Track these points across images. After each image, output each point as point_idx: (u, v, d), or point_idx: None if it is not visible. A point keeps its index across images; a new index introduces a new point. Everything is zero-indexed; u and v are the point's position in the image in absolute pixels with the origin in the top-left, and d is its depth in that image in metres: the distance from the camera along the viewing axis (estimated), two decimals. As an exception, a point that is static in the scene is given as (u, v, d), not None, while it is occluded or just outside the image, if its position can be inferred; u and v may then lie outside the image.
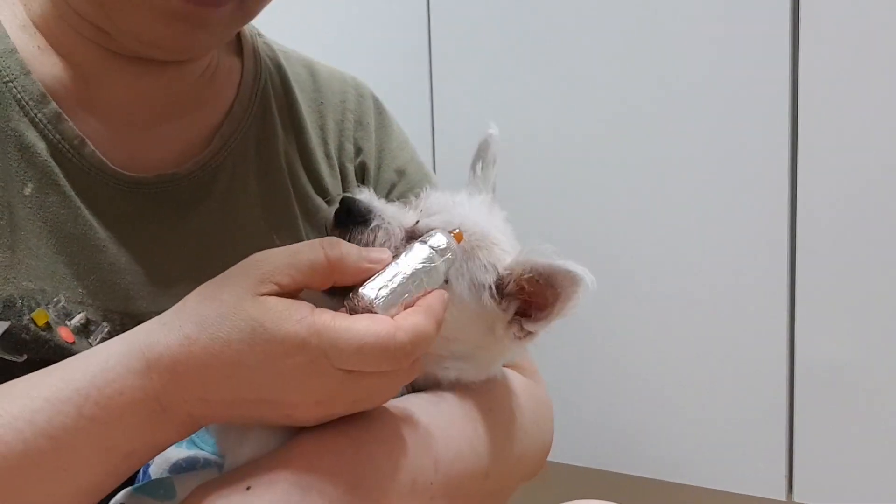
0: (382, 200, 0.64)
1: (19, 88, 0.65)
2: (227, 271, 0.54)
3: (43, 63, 0.68)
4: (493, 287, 0.61)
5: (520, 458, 0.70)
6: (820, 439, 1.28)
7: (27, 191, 0.64)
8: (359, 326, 0.50)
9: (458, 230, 0.60)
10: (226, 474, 0.55)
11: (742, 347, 1.31)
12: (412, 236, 0.60)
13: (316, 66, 0.86)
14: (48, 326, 0.62)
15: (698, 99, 1.30)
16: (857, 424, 1.25)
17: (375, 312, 0.53)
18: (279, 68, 0.82)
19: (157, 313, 0.54)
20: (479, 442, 0.65)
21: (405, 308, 0.54)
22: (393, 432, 0.58)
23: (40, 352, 0.61)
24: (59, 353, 0.61)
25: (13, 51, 0.66)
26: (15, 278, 0.62)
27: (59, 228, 0.65)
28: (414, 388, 0.65)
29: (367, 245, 0.60)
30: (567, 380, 1.44)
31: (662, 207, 1.35)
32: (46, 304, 0.63)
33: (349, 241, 0.59)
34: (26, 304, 0.62)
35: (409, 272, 0.55)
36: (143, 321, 0.54)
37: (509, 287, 0.61)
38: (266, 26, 0.83)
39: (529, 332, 0.63)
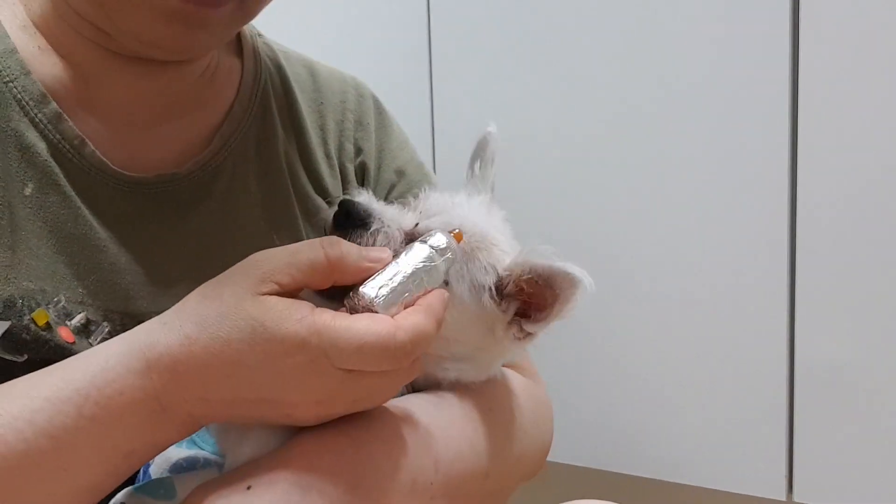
0: (382, 202, 0.64)
1: (19, 88, 0.65)
2: (227, 271, 0.54)
3: (43, 63, 0.68)
4: (493, 288, 0.61)
5: (519, 458, 0.70)
6: (820, 439, 1.28)
7: (27, 191, 0.64)
8: (359, 326, 0.51)
9: (457, 230, 0.60)
10: (226, 474, 0.55)
11: (742, 347, 1.31)
12: (412, 239, 0.60)
13: (316, 67, 0.86)
14: (48, 326, 0.62)
15: (698, 99, 1.30)
16: (857, 424, 1.25)
17: (376, 311, 0.53)
18: (279, 68, 0.82)
19: (158, 313, 0.54)
20: (478, 442, 0.65)
21: (405, 307, 0.54)
22: (393, 432, 0.58)
23: (41, 352, 0.61)
24: (60, 353, 0.61)
25: (13, 51, 0.66)
26: (15, 278, 0.62)
27: (60, 228, 0.65)
28: (414, 388, 0.65)
29: None
30: (567, 380, 1.44)
31: (662, 207, 1.35)
32: (47, 305, 0.63)
33: None
34: (27, 304, 0.62)
35: (409, 271, 0.55)
36: (143, 321, 0.54)
37: (508, 288, 0.61)
38: (266, 26, 0.83)
39: (529, 333, 0.63)
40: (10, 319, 0.61)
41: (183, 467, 0.59)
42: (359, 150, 0.85)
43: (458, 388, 0.65)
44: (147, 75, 0.71)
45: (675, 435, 1.39)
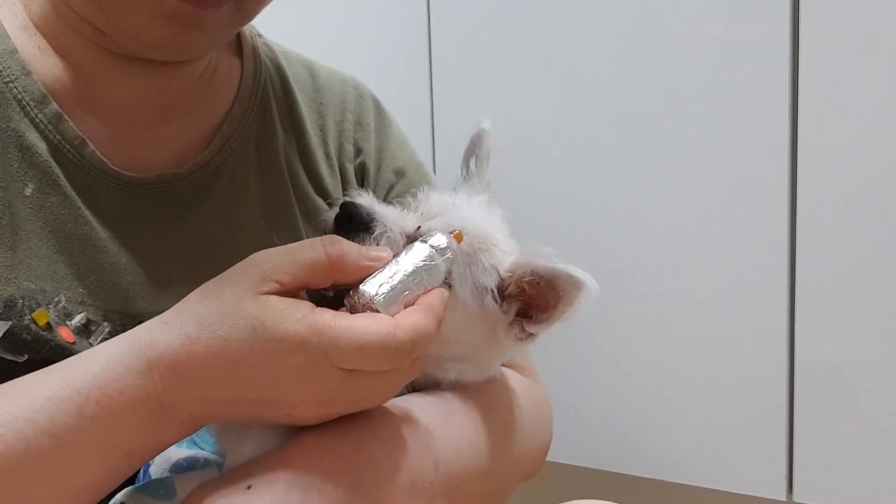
0: (382, 204, 0.64)
1: (20, 89, 0.65)
2: (227, 271, 0.54)
3: (43, 63, 0.68)
4: (495, 290, 0.61)
5: (519, 458, 0.70)
6: (820, 439, 1.28)
7: (28, 191, 0.64)
8: (359, 325, 0.51)
9: (458, 231, 0.60)
10: (226, 474, 0.55)
11: (742, 347, 1.31)
12: (413, 241, 0.60)
13: (316, 67, 0.86)
14: (49, 326, 0.62)
15: (698, 99, 1.30)
16: (857, 424, 1.25)
17: (376, 309, 0.53)
18: (279, 69, 0.82)
19: (158, 313, 0.54)
20: (478, 441, 0.65)
21: (405, 307, 0.54)
22: (393, 432, 0.58)
23: (41, 352, 0.61)
24: (60, 353, 0.61)
25: (14, 51, 0.66)
26: (16, 278, 0.62)
27: (60, 229, 0.65)
28: (414, 388, 0.65)
29: None
30: (567, 380, 1.44)
31: (662, 207, 1.35)
32: (47, 305, 0.63)
33: None
34: (27, 304, 0.62)
35: (409, 269, 0.55)
36: (143, 321, 0.54)
37: (510, 289, 0.61)
38: (266, 26, 0.83)
39: (530, 334, 0.63)
40: (10, 319, 0.61)
41: (183, 467, 0.59)
42: (358, 151, 0.85)
43: (458, 387, 0.65)
44: (147, 75, 0.71)
45: (675, 435, 1.40)
